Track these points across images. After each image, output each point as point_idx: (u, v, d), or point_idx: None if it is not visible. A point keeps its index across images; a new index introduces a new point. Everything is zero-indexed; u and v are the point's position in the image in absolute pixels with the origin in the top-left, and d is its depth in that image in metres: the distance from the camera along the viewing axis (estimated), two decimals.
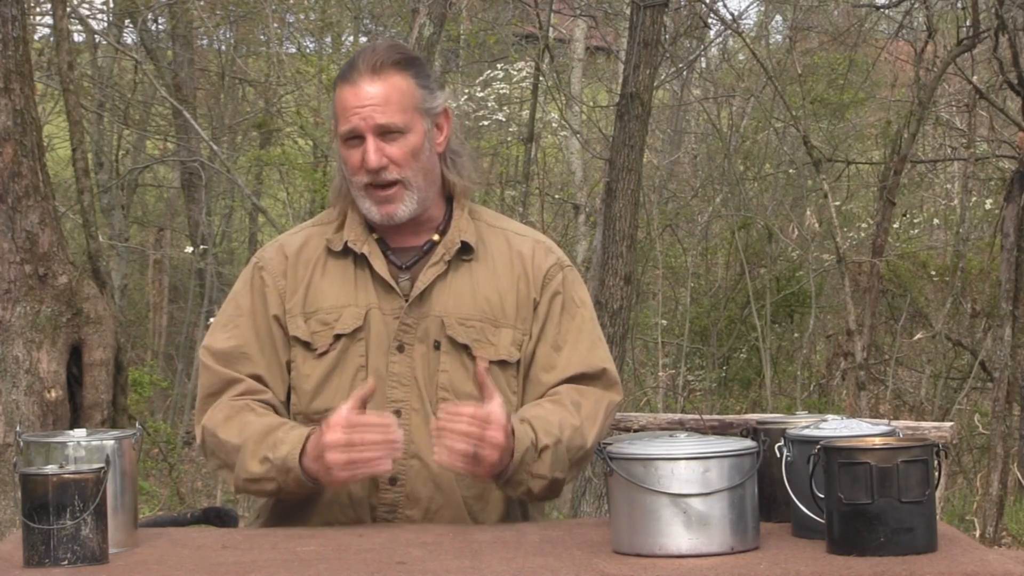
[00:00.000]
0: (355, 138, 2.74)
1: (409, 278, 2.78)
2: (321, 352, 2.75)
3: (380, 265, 2.77)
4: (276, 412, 2.76)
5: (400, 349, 2.75)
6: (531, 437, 2.63)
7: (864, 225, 11.38)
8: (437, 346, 2.76)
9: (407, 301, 2.76)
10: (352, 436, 2.55)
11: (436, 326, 2.76)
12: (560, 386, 2.77)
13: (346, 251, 2.79)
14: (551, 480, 2.67)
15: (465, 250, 2.80)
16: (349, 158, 2.75)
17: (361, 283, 2.78)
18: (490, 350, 2.77)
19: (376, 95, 2.72)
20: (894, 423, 3.65)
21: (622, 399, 2.87)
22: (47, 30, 10.74)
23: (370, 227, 2.81)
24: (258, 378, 2.76)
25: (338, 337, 2.75)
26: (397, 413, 2.73)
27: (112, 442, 2.41)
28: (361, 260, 2.78)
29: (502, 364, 2.77)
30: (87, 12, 11.26)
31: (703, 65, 13.43)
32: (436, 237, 2.81)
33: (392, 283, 2.76)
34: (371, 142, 2.72)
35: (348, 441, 2.55)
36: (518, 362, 2.79)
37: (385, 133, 2.72)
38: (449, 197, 2.86)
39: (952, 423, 6.39)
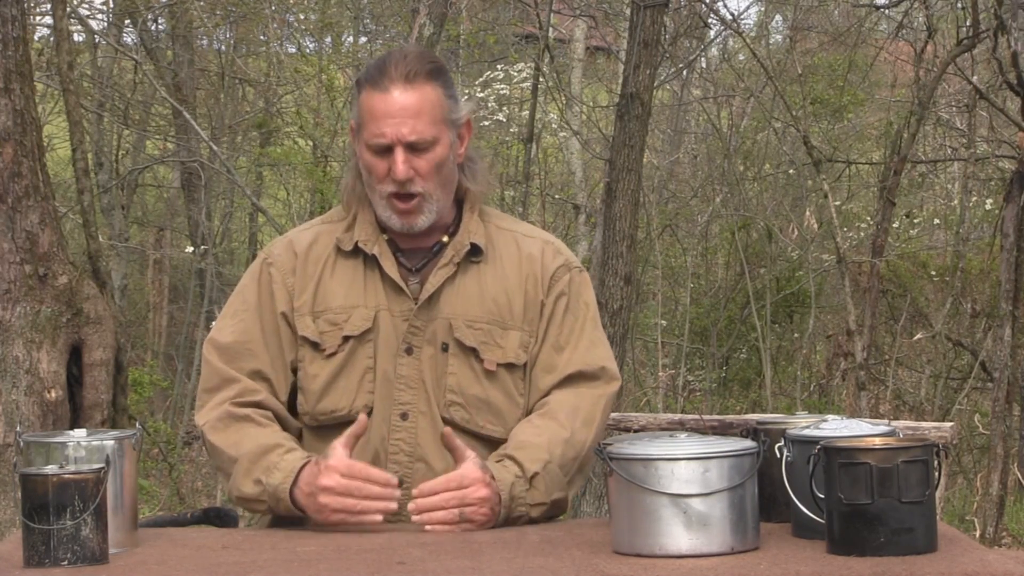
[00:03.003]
0: (383, 147, 2.72)
1: (419, 280, 2.77)
2: (329, 353, 2.74)
3: (390, 266, 2.76)
4: (275, 414, 2.74)
5: (408, 351, 2.74)
6: (515, 471, 2.63)
7: (864, 225, 11.39)
8: (445, 348, 2.75)
9: (416, 303, 2.75)
10: (350, 485, 2.54)
11: (444, 328, 2.75)
12: (553, 392, 2.77)
13: (356, 251, 2.78)
14: (551, 503, 2.67)
15: (474, 252, 2.79)
16: (375, 166, 2.73)
17: (371, 284, 2.77)
18: (498, 352, 2.76)
19: (408, 106, 2.70)
20: (894, 423, 3.65)
21: (620, 384, 2.87)
22: (47, 30, 10.75)
23: (381, 228, 2.80)
24: (260, 374, 2.75)
25: (347, 338, 2.74)
26: (404, 416, 2.73)
27: (112, 442, 2.41)
28: (371, 261, 2.77)
29: (509, 367, 2.77)
30: (87, 12, 11.26)
31: (703, 65, 13.44)
32: (445, 238, 2.80)
33: (402, 285, 2.75)
34: (400, 154, 2.70)
35: (345, 489, 2.54)
36: (525, 364, 2.79)
37: (414, 145, 2.71)
38: (459, 200, 2.85)
39: (952, 423, 6.39)
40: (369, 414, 2.74)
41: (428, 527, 2.55)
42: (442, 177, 2.75)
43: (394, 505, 2.53)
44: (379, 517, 2.53)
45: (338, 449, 2.58)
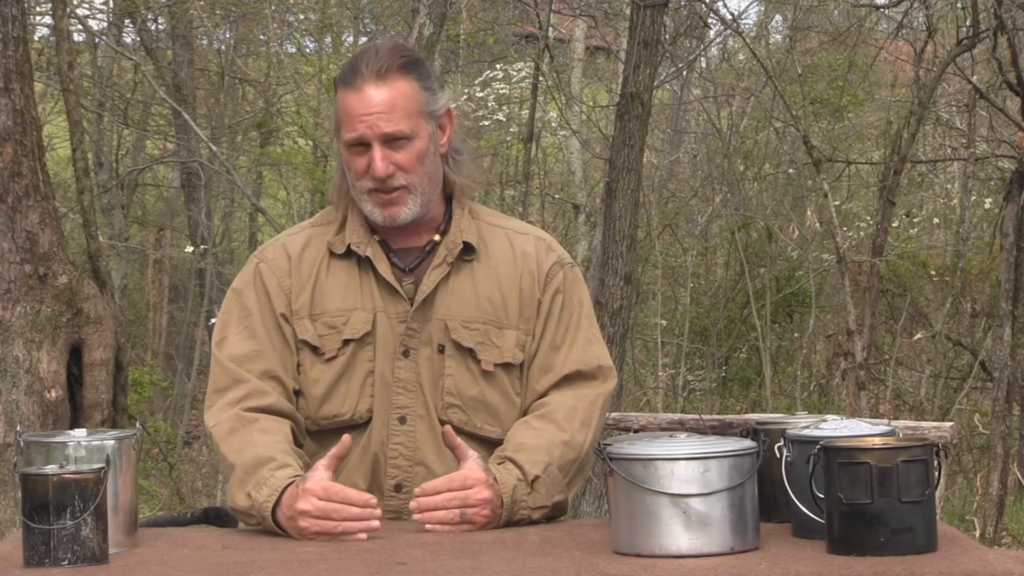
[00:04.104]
0: (360, 144, 2.71)
1: (413, 281, 2.76)
2: (329, 357, 2.73)
3: (384, 268, 2.74)
4: (286, 416, 2.73)
5: (405, 354, 2.73)
6: (517, 474, 2.61)
7: (864, 225, 11.39)
8: (441, 350, 2.74)
9: (412, 305, 2.74)
10: (328, 508, 2.49)
11: (440, 329, 2.74)
12: (551, 393, 2.76)
13: (348, 253, 2.77)
14: (552, 505, 2.66)
15: (467, 251, 2.78)
16: (353, 163, 2.72)
17: (366, 286, 2.75)
18: (494, 352, 2.75)
19: (382, 102, 2.68)
20: (894, 423, 3.65)
21: (616, 381, 2.86)
22: (47, 30, 10.75)
23: (371, 228, 2.78)
24: (271, 374, 2.72)
25: (347, 342, 2.72)
26: (402, 420, 2.72)
27: (112, 442, 2.41)
28: (365, 263, 2.76)
29: (507, 366, 2.76)
30: (87, 12, 11.26)
31: (703, 65, 13.43)
32: (437, 237, 2.79)
33: (397, 287, 2.74)
34: (378, 150, 2.69)
35: (323, 512, 2.49)
36: (522, 363, 2.78)
37: (391, 140, 2.69)
38: (448, 196, 2.84)
39: (952, 423, 6.39)
40: (369, 419, 2.73)
41: (428, 527, 2.54)
42: (425, 169, 2.73)
43: (375, 524, 2.49)
44: (363, 536, 2.49)
45: (319, 471, 2.54)
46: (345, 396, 2.73)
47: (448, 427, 2.65)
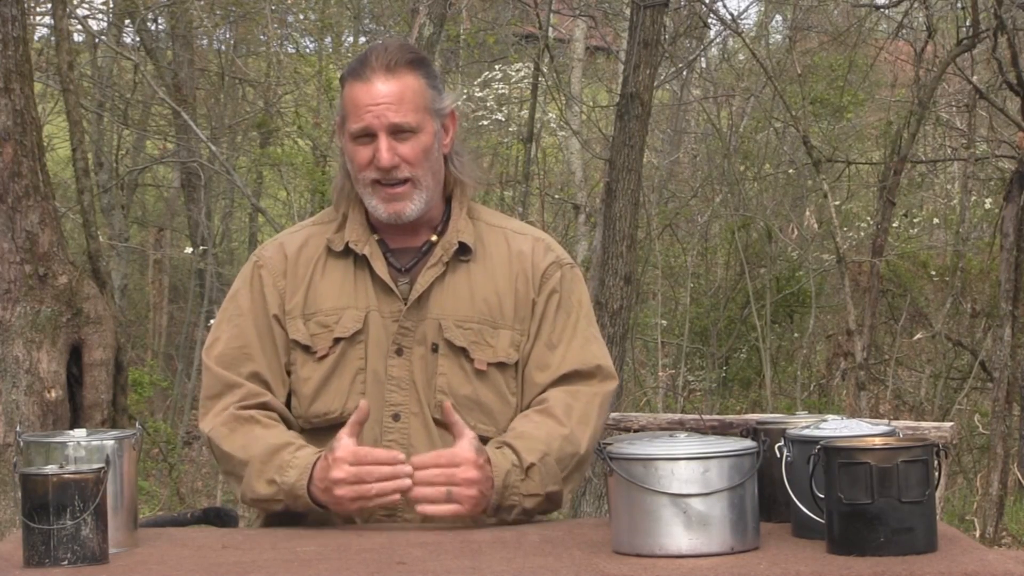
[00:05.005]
0: (366, 136, 2.73)
1: (408, 280, 2.77)
2: (321, 355, 2.74)
3: (380, 267, 2.75)
4: (279, 415, 2.75)
5: (399, 352, 2.74)
6: (512, 459, 2.62)
7: (864, 225, 11.39)
8: (435, 349, 2.74)
9: (406, 304, 2.75)
10: (360, 471, 2.55)
11: (434, 329, 2.74)
12: (550, 390, 2.76)
13: (346, 251, 2.78)
14: (545, 495, 2.66)
15: (463, 251, 2.79)
16: (357, 155, 2.74)
17: (361, 285, 2.77)
18: (488, 352, 2.75)
19: (390, 93, 2.71)
20: (894, 423, 3.65)
21: (617, 383, 2.86)
22: (47, 30, 10.75)
23: (371, 227, 2.80)
24: (259, 377, 2.75)
25: (337, 340, 2.74)
26: (395, 417, 2.73)
27: (112, 442, 2.41)
28: (361, 261, 2.77)
29: (500, 366, 2.76)
30: (87, 12, 11.26)
31: (703, 65, 13.44)
32: (434, 238, 2.80)
33: (392, 285, 2.75)
34: (384, 141, 2.70)
35: (356, 477, 2.55)
36: (517, 363, 2.78)
37: (397, 132, 2.71)
38: (448, 197, 2.85)
39: (952, 423, 6.40)
40: None
41: (419, 507, 2.56)
42: (429, 165, 2.75)
43: (407, 482, 2.55)
44: (397, 497, 2.55)
45: (343, 439, 2.58)
46: (335, 394, 2.74)
47: (448, 403, 2.67)
